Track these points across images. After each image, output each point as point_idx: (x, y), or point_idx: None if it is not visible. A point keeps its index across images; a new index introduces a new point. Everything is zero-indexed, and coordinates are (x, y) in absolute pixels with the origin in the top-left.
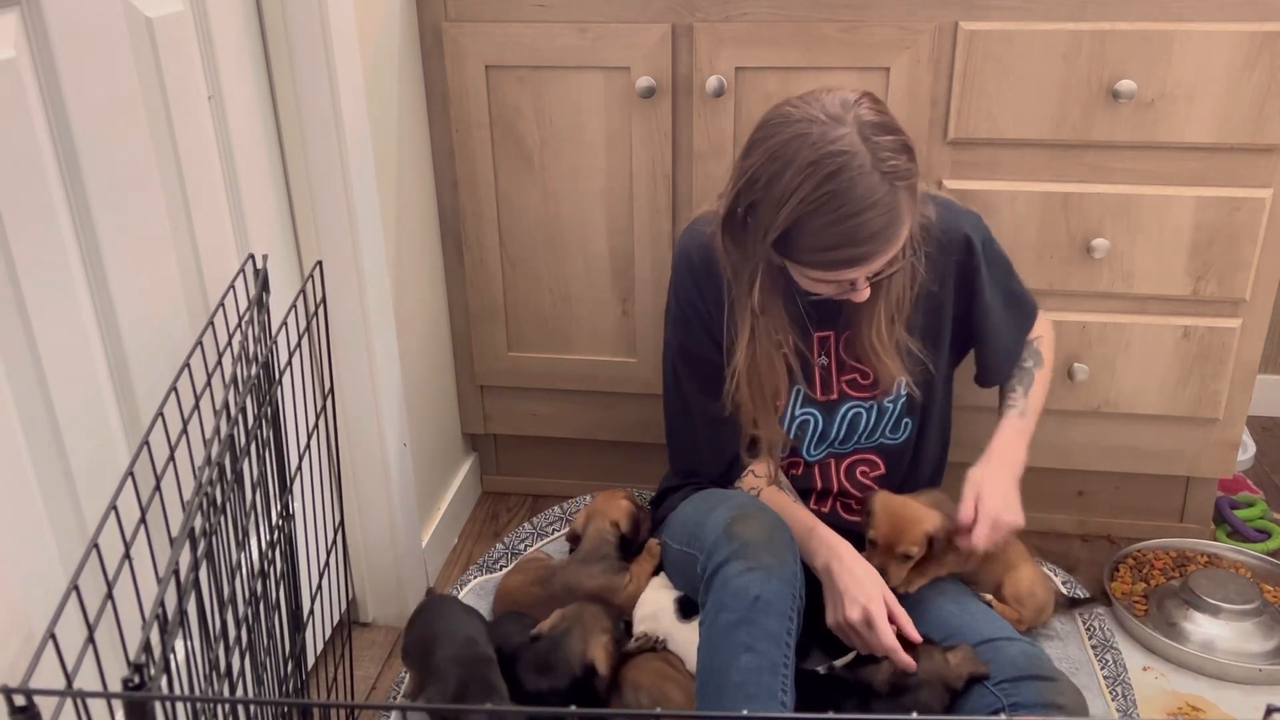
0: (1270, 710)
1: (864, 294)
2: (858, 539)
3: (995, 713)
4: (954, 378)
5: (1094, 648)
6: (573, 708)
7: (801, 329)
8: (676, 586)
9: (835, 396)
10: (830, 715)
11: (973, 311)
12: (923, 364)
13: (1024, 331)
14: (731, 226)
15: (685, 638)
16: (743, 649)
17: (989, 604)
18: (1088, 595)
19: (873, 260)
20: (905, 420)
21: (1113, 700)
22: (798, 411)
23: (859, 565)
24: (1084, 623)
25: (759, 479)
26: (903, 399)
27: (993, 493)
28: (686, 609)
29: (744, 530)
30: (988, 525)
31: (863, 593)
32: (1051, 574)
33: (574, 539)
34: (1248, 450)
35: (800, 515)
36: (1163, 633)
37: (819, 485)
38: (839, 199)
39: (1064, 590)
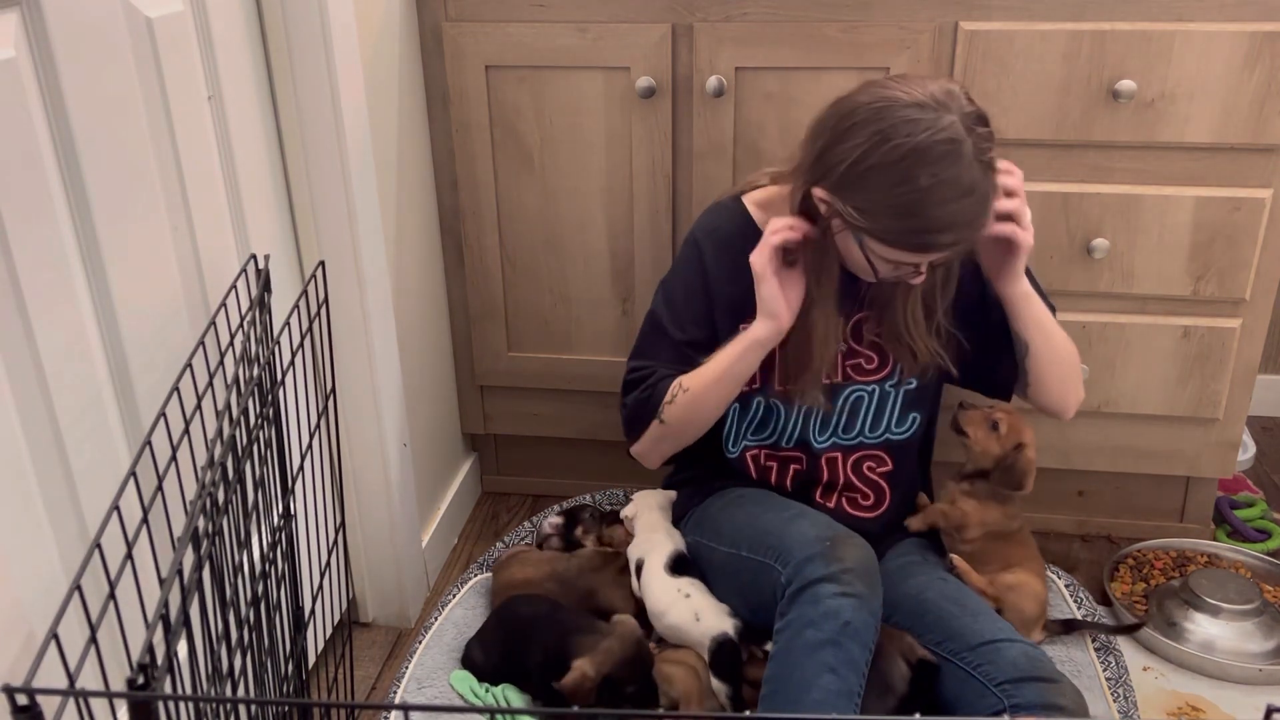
0: (1270, 710)
1: (924, 278)
2: (864, 535)
3: (996, 714)
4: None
5: (1096, 649)
6: (575, 708)
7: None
8: (717, 589)
9: (840, 380)
10: (834, 716)
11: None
12: (951, 348)
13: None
14: (806, 202)
15: (656, 589)
16: (826, 669)
17: (954, 572)
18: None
19: (961, 244)
20: (912, 414)
21: (1114, 702)
22: None
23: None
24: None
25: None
26: (909, 386)
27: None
28: (677, 566)
29: (845, 554)
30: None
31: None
32: (1054, 576)
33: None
34: (1248, 450)
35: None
36: (1163, 633)
37: (825, 477)
38: (949, 185)
39: (1075, 615)
